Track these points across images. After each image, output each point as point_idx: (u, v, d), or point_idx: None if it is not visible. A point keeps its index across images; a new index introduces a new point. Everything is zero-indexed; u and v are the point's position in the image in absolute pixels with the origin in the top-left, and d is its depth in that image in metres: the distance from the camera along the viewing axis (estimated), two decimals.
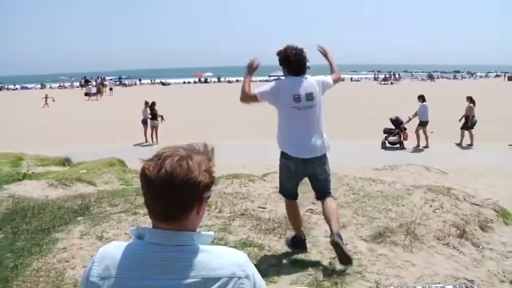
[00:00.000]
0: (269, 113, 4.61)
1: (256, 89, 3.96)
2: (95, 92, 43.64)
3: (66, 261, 4.02)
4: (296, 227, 4.27)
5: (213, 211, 5.21)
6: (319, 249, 4.26)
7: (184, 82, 73.19)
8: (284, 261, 3.99)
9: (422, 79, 70.85)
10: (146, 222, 4.62)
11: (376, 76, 73.15)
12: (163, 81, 73.52)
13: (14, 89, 68.60)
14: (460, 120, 15.95)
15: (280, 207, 5.37)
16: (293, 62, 3.90)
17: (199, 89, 55.22)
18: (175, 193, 1.21)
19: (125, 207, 5.41)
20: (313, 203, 5.48)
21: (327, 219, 3.95)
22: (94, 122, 23.99)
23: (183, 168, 1.21)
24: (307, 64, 3.99)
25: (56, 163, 11.76)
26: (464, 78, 77.10)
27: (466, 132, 15.62)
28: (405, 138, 15.51)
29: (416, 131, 15.32)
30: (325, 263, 4.00)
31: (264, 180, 6.87)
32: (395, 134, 15.54)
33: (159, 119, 17.86)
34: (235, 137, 15.75)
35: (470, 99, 15.96)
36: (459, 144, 15.50)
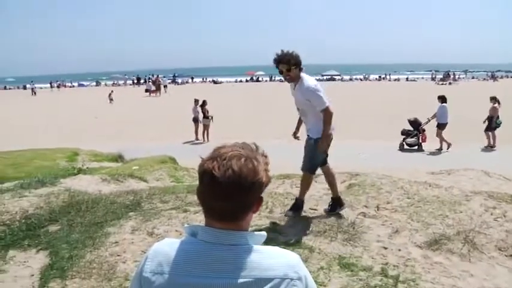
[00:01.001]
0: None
1: (325, 103, 4.73)
2: (154, 89, 46.90)
3: (118, 255, 4.15)
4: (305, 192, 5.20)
5: (263, 211, 5.20)
6: (370, 254, 4.17)
7: (236, 81, 74.00)
8: (334, 264, 3.94)
9: (484, 79, 67.89)
10: (197, 219, 4.78)
11: (433, 76, 70.80)
12: (215, 79, 74.60)
13: (71, 86, 71.89)
14: (484, 122, 15.21)
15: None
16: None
17: (251, 87, 55.47)
18: (242, 194, 1.22)
19: (176, 204, 5.49)
20: (365, 206, 5.40)
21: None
22: (149, 118, 24.71)
23: (251, 169, 1.22)
24: None
25: (109, 159, 12.22)
26: None
27: (490, 134, 15.00)
28: (424, 140, 14.94)
29: (438, 134, 14.72)
30: (377, 268, 3.91)
31: (316, 182, 6.78)
32: (413, 135, 15.03)
33: (210, 123, 18.11)
34: (286, 136, 15.66)
35: (494, 100, 15.21)
36: (490, 146, 14.88)
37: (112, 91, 40.15)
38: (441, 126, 14.71)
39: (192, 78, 79.92)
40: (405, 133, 15.17)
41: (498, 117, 15.02)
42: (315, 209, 5.33)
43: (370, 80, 71.55)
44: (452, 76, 66.66)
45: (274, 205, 5.39)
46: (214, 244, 1.24)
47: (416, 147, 14.92)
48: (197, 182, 1.30)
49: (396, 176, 6.63)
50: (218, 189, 1.21)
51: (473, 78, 72.78)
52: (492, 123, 14.92)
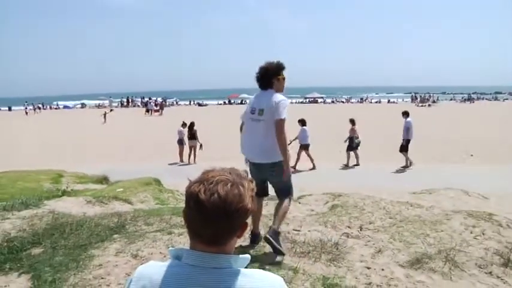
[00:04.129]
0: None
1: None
2: (158, 109, 51.75)
3: (102, 278, 4.07)
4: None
5: (247, 232, 5.10)
6: (354, 274, 4.16)
7: (219, 103, 75.65)
8: (318, 285, 3.92)
9: (461, 101, 69.41)
10: (181, 242, 4.75)
11: (413, 98, 72.06)
12: (200, 102, 75.67)
13: (56, 108, 71.04)
14: (345, 141, 16.27)
15: (315, 230, 5.36)
16: (257, 77, 4.51)
17: (235, 110, 55.67)
18: (227, 219, 1.21)
19: (160, 226, 5.45)
20: (348, 227, 5.42)
21: (274, 215, 4.59)
22: (139, 139, 24.54)
23: (236, 195, 1.21)
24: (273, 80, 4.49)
25: (94, 181, 12.06)
26: (506, 99, 75.06)
27: (352, 154, 16.07)
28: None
29: (298, 154, 15.75)
30: None
31: (299, 203, 6.82)
32: None
33: (198, 145, 17.86)
34: None
35: (352, 122, 16.40)
36: (346, 165, 15.97)
37: (105, 112, 42.03)
38: (304, 147, 15.84)
39: (177, 101, 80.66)
40: None
41: (357, 137, 16.16)
42: (299, 230, 5.32)
43: (352, 102, 72.42)
44: (431, 98, 68.07)
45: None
46: (199, 267, 1.23)
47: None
48: (182, 204, 1.29)
49: (379, 196, 6.66)
50: (203, 213, 1.20)
51: (451, 100, 74.36)
52: (353, 143, 16.04)
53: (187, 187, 1.26)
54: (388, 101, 72.70)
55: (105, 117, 39.82)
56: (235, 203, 1.21)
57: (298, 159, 15.70)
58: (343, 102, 73.89)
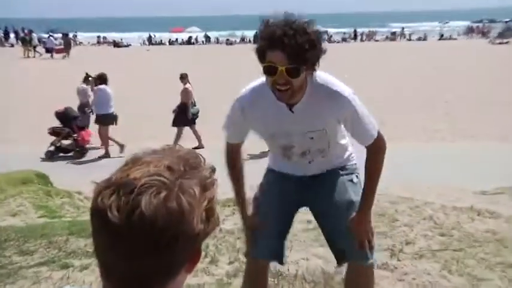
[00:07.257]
0: None
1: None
2: (62, 47, 33.77)
3: None
4: None
5: (202, 261, 3.92)
6: None
7: (151, 41, 50.58)
8: None
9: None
10: (85, 281, 3.71)
11: (472, 28, 55.78)
12: (117, 40, 48.72)
13: None
14: (173, 111, 10.24)
15: (314, 255, 4.20)
16: None
17: (178, 55, 33.39)
18: (158, 253, 0.79)
19: (48, 255, 4.22)
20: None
21: None
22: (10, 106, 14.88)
23: (173, 214, 0.77)
24: None
25: None
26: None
27: (187, 130, 10.14)
28: (83, 141, 10.30)
29: (100, 133, 10.30)
30: None
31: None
32: (65, 135, 10.20)
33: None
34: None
35: (182, 77, 10.33)
36: (175, 142, 9.69)
37: None
38: (102, 120, 9.93)
39: (75, 36, 49.35)
40: (55, 132, 10.26)
41: (194, 104, 10.30)
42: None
43: (362, 41, 48.90)
44: None
45: (218, 251, 4.21)
46: None
47: (72, 153, 10.25)
48: (86, 216, 0.61)
49: (421, 197, 5.42)
50: (120, 243, 0.78)
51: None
52: (188, 114, 10.08)
53: (93, 195, 0.82)
54: (442, 37, 49.55)
55: None
56: (173, 227, 0.77)
57: (110, 139, 10.37)
58: (343, 40, 48.92)
